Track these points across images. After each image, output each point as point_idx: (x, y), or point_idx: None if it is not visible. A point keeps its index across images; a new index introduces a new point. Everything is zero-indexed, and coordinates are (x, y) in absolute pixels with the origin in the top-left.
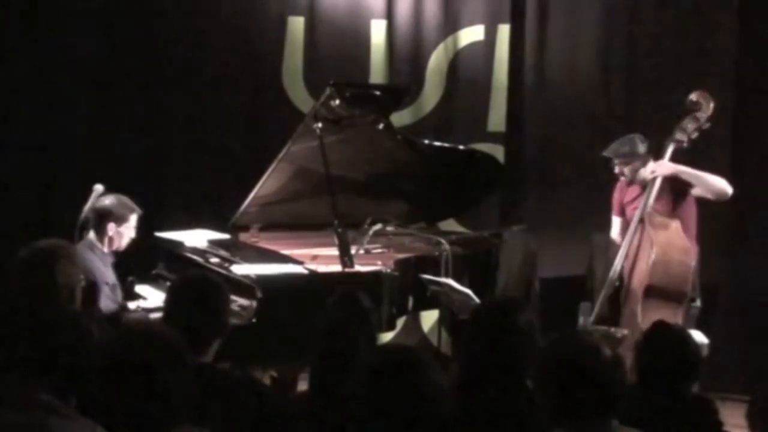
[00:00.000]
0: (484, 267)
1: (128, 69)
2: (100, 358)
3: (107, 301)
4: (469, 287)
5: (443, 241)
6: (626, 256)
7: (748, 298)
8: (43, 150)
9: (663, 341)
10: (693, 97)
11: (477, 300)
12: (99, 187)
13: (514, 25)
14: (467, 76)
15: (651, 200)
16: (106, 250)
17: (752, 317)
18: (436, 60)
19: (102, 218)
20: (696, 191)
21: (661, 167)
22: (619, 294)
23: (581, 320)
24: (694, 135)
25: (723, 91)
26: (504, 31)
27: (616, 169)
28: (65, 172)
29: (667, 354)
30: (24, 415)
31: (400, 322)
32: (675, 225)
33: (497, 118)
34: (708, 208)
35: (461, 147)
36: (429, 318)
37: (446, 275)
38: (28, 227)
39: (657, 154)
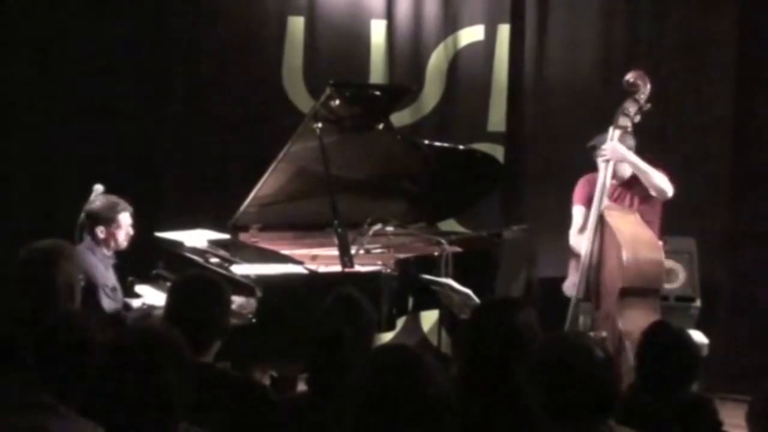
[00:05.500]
0: (484, 267)
1: (128, 69)
2: (101, 358)
3: (108, 303)
4: (469, 287)
5: (443, 241)
6: (589, 262)
7: (748, 298)
8: (43, 150)
9: (663, 341)
10: (630, 78)
11: (477, 300)
12: (99, 187)
13: (514, 25)
14: (467, 76)
15: (606, 187)
16: (106, 252)
17: (752, 317)
18: (436, 60)
19: (91, 222)
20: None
21: (613, 152)
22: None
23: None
24: (637, 118)
25: (724, 89)
26: (504, 31)
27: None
28: (65, 172)
29: (667, 354)
30: (25, 416)
31: (400, 322)
32: (635, 217)
33: (497, 118)
34: (708, 207)
35: (461, 147)
36: (429, 318)
37: (446, 275)
38: (28, 227)
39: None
